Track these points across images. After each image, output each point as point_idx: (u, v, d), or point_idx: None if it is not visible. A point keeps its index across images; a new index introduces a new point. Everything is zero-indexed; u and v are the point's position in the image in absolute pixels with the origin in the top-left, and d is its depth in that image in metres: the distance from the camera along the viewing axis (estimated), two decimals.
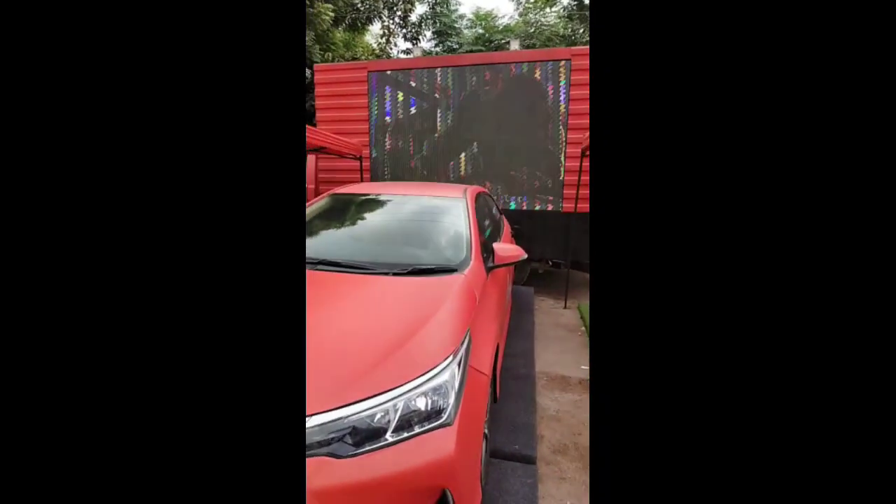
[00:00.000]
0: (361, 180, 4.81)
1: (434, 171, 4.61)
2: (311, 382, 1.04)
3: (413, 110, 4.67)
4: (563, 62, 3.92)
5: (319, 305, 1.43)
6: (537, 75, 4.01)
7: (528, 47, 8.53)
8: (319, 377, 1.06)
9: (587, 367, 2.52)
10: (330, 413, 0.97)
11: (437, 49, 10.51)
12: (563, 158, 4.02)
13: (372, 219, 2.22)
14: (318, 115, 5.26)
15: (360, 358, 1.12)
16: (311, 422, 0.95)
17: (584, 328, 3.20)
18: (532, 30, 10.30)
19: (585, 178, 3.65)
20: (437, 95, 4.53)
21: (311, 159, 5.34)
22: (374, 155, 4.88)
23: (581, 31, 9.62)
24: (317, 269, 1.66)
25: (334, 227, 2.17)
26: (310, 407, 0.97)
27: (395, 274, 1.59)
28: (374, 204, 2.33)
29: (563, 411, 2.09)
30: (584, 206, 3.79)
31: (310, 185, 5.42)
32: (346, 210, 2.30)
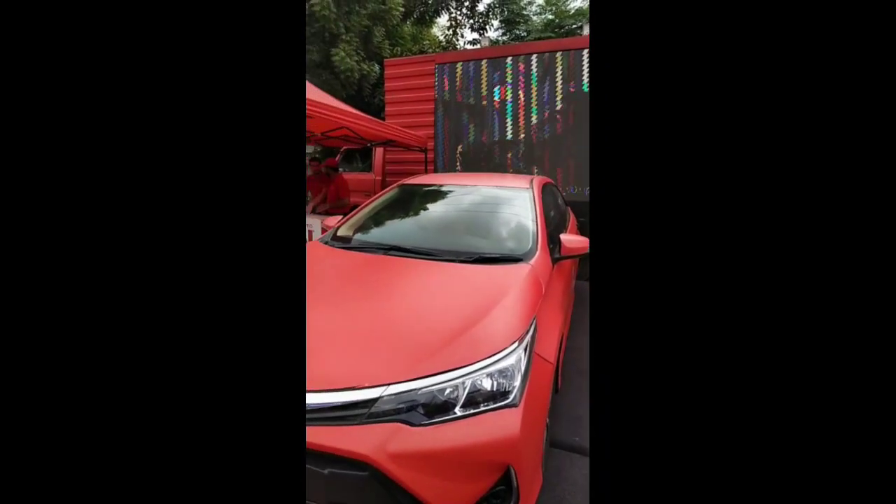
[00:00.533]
0: (426, 171, 4.94)
1: (502, 160, 4.58)
2: (385, 355, 1.14)
3: (472, 100, 4.67)
4: None
5: (391, 287, 1.53)
6: None
7: None
8: (393, 351, 1.15)
9: None
10: (404, 384, 1.05)
11: (505, 38, 10.34)
12: None
13: (440, 208, 2.29)
14: (387, 108, 5.47)
15: (430, 336, 1.19)
16: (387, 390, 1.04)
17: None
18: None
19: None
20: (496, 81, 4.48)
21: (378, 152, 5.59)
22: (439, 146, 4.96)
23: None
24: (388, 255, 1.77)
25: (404, 215, 2.28)
26: (385, 377, 1.06)
27: (461, 261, 1.64)
28: (442, 194, 2.40)
29: None
30: None
31: (377, 177, 5.68)
32: (415, 200, 2.40)
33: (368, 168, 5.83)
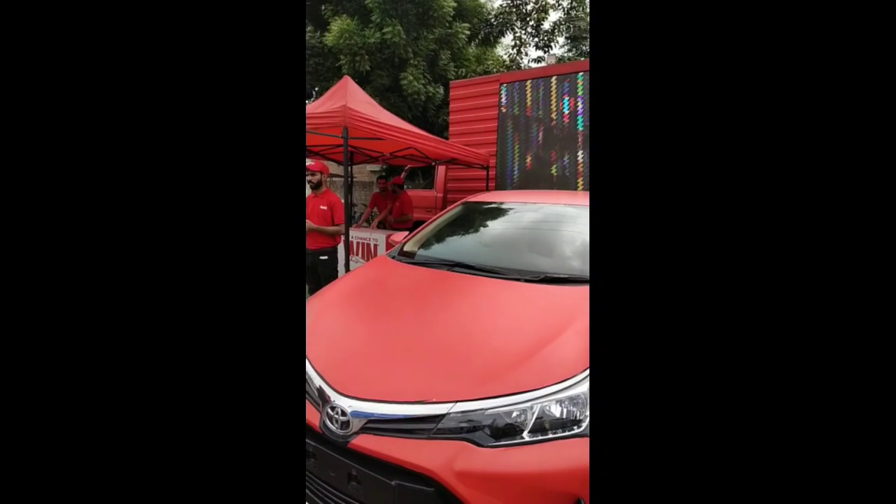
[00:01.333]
0: (487, 188, 4.97)
1: (584, 149, 4.48)
2: (453, 372, 1.15)
3: (542, 114, 4.64)
4: None
5: (457, 304, 1.55)
6: None
7: None
8: (461, 368, 1.16)
9: None
10: (471, 403, 1.05)
11: (570, 54, 10.23)
12: None
13: (506, 226, 2.29)
14: (451, 128, 5.62)
15: (498, 356, 1.18)
16: (455, 407, 1.05)
17: None
18: None
19: None
20: (566, 93, 4.42)
21: (440, 170, 5.74)
22: (508, 162, 4.97)
23: None
24: (453, 271, 1.80)
25: (469, 233, 2.31)
26: (453, 394, 1.07)
27: (526, 280, 1.62)
28: (507, 212, 2.40)
29: None
30: None
31: (438, 194, 5.83)
32: (479, 217, 2.42)
33: (430, 185, 6.00)
